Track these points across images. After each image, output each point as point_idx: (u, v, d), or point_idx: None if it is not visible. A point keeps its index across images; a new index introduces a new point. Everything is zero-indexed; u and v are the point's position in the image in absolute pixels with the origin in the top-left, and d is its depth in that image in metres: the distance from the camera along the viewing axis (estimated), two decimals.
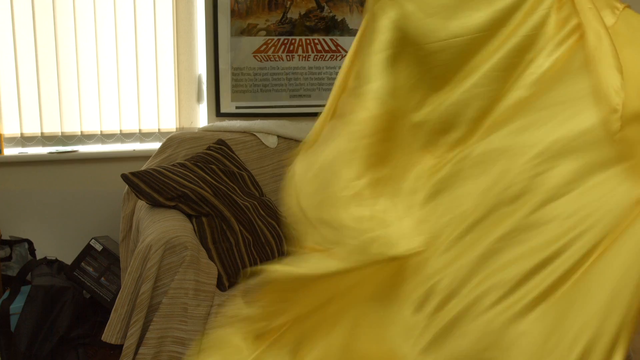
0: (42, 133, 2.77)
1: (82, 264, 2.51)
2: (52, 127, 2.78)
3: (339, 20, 2.98)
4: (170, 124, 2.92)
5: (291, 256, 1.15)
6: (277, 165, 2.71)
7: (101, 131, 2.84)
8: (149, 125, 2.90)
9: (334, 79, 2.99)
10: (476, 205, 1.08)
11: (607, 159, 1.03)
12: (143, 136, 2.90)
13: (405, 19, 1.14)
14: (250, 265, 2.21)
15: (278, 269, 1.12)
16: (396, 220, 1.11)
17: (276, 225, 2.39)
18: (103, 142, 2.86)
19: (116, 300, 1.95)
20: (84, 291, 2.51)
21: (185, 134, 2.67)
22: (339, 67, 2.99)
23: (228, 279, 2.10)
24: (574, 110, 1.05)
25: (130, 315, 1.93)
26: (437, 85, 1.16)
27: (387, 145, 1.16)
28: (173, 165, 2.39)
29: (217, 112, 2.93)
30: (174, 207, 2.21)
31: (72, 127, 2.80)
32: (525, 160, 1.05)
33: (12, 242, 2.66)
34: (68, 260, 2.69)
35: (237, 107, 2.95)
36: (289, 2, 2.90)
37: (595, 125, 1.03)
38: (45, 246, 2.81)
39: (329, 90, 3.14)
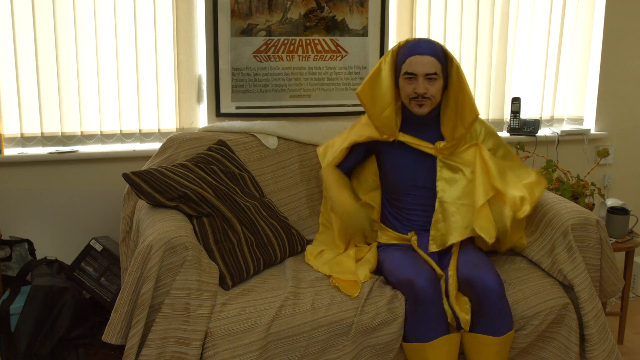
0: (42, 133, 2.77)
1: (82, 264, 2.51)
2: (52, 127, 2.78)
3: (339, 20, 2.99)
4: (170, 124, 2.92)
5: None
6: (277, 167, 2.71)
7: (101, 131, 2.84)
8: (149, 125, 2.90)
9: (334, 79, 3.03)
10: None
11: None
12: (143, 136, 2.90)
13: None
14: (254, 265, 2.21)
15: None
16: None
17: (278, 226, 2.39)
18: (103, 142, 2.85)
19: (116, 301, 1.95)
20: (84, 291, 2.51)
21: (185, 134, 2.67)
22: (339, 67, 3.00)
23: (231, 279, 2.10)
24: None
25: (131, 316, 1.93)
26: None
27: None
28: (174, 165, 2.39)
29: (217, 112, 2.93)
30: (174, 208, 2.21)
31: (72, 127, 2.80)
32: None
33: (12, 242, 2.66)
34: (68, 260, 2.69)
35: (237, 108, 2.95)
36: (289, 3, 2.90)
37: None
38: (45, 246, 2.81)
39: (329, 90, 3.18)
